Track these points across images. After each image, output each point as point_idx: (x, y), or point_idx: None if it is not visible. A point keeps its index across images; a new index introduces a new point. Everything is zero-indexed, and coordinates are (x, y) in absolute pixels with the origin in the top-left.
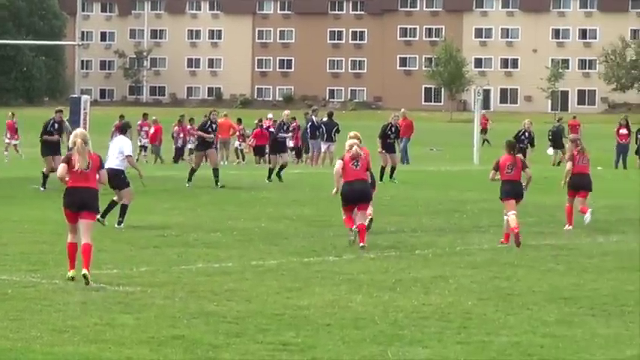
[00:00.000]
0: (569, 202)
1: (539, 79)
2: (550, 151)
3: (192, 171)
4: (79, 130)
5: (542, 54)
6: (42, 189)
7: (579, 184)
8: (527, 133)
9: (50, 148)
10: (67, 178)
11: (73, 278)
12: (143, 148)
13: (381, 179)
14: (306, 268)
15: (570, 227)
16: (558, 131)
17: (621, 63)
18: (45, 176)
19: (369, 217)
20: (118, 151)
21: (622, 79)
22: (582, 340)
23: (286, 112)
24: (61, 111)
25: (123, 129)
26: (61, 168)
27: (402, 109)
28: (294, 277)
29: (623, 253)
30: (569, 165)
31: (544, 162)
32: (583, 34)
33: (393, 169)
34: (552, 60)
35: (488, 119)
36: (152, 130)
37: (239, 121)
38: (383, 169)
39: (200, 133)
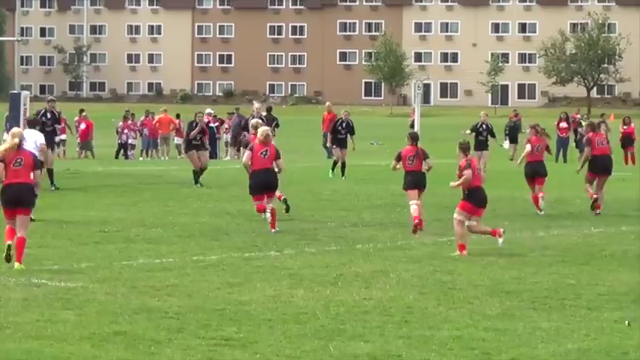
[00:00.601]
0: (531, 190)
1: (479, 73)
2: (506, 144)
3: (195, 172)
4: (16, 130)
5: (481, 48)
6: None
7: (536, 171)
8: (484, 125)
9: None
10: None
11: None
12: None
13: (332, 171)
14: (247, 263)
15: (542, 213)
16: (515, 126)
17: (561, 57)
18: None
19: (283, 196)
20: (34, 144)
21: (562, 73)
22: (524, 333)
23: (256, 105)
24: (53, 100)
25: (33, 123)
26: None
27: (327, 103)
28: (235, 272)
29: (564, 247)
30: (528, 148)
31: (501, 156)
32: (522, 27)
33: (343, 166)
34: (492, 54)
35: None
36: (83, 126)
37: (177, 116)
38: (335, 163)
39: (194, 133)
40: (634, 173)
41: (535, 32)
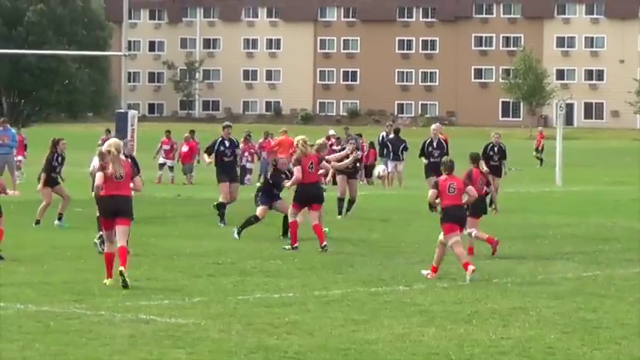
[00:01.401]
0: None
1: (627, 93)
2: None
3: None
4: (113, 140)
5: (630, 65)
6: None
7: None
8: (495, 148)
9: None
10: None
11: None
12: (161, 165)
13: None
14: (374, 299)
15: None
16: None
17: None
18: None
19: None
20: None
21: None
22: None
23: (434, 126)
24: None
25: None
26: (99, 176)
27: (436, 123)
28: (360, 308)
29: None
30: None
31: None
32: None
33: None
34: None
35: (543, 136)
36: (186, 148)
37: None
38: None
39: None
40: None
41: None
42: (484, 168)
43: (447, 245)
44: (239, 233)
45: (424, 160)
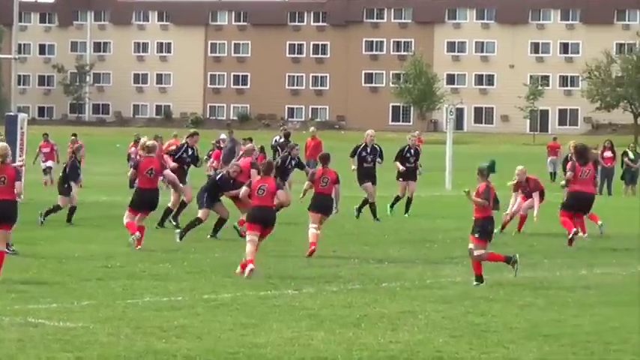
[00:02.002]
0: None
1: (516, 98)
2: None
3: None
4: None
5: (520, 70)
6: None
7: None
8: (412, 150)
9: None
10: None
11: None
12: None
13: (392, 208)
14: (263, 303)
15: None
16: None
17: (606, 80)
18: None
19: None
20: None
21: (607, 98)
22: None
23: (369, 132)
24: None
25: None
26: None
27: (312, 128)
28: (249, 312)
29: (608, 287)
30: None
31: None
32: (564, 48)
33: (409, 202)
34: (531, 76)
35: (421, 141)
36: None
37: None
38: (398, 198)
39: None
40: None
41: (578, 53)
42: (400, 167)
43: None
44: (181, 237)
45: (353, 166)
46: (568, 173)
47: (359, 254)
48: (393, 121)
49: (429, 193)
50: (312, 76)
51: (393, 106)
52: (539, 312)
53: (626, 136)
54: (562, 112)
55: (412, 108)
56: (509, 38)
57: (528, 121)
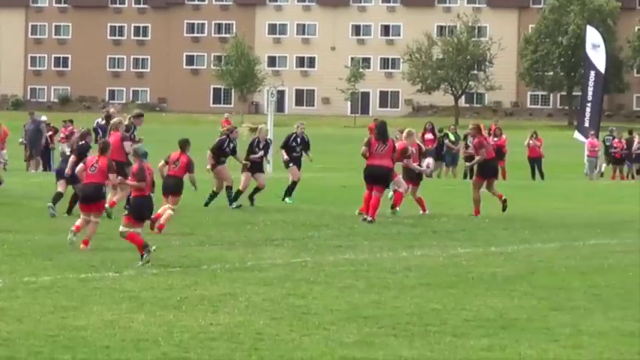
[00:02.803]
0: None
1: (338, 80)
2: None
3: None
4: None
5: (341, 52)
6: None
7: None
8: (299, 139)
9: None
10: None
11: None
12: None
13: (287, 196)
14: (84, 285)
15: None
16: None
17: (427, 62)
18: None
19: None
20: None
21: (427, 80)
22: None
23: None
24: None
25: None
26: None
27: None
28: (69, 294)
29: (428, 269)
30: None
31: (342, 169)
32: (385, 30)
33: (294, 184)
34: (352, 59)
35: (229, 122)
36: None
37: None
38: (295, 184)
39: (253, 157)
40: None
41: (399, 35)
42: (284, 157)
43: None
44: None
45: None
46: (363, 148)
47: (179, 236)
48: (214, 103)
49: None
50: (134, 58)
51: (214, 88)
52: (360, 294)
53: (447, 117)
54: (383, 94)
55: (233, 90)
56: (330, 20)
57: (349, 103)
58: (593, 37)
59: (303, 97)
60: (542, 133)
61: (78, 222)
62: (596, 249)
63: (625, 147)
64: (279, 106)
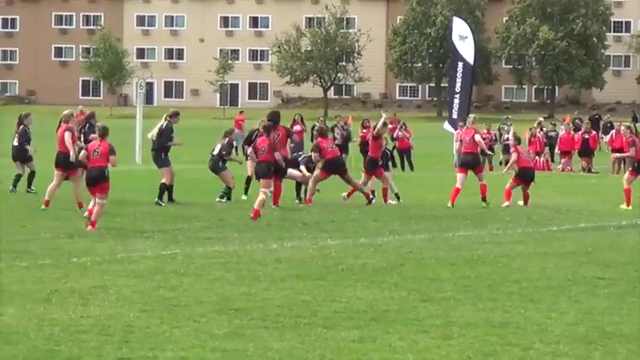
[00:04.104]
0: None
1: (207, 72)
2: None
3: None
4: None
5: (210, 44)
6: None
7: None
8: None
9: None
10: None
11: None
12: None
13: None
14: None
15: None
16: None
17: (295, 54)
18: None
19: None
20: None
21: (296, 72)
22: (254, 354)
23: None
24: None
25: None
26: None
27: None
28: None
29: (298, 260)
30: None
31: None
32: (254, 22)
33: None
34: (221, 50)
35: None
36: None
37: None
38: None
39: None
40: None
41: (268, 27)
42: (249, 151)
43: None
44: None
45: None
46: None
47: (49, 229)
48: (83, 95)
49: (120, 167)
50: (2, 51)
51: (83, 81)
52: (230, 286)
53: (316, 109)
54: (252, 86)
55: (102, 82)
56: (198, 12)
57: (218, 95)
58: (460, 28)
59: (172, 89)
60: (411, 125)
61: (90, 205)
62: (466, 240)
63: (494, 138)
64: (148, 98)
